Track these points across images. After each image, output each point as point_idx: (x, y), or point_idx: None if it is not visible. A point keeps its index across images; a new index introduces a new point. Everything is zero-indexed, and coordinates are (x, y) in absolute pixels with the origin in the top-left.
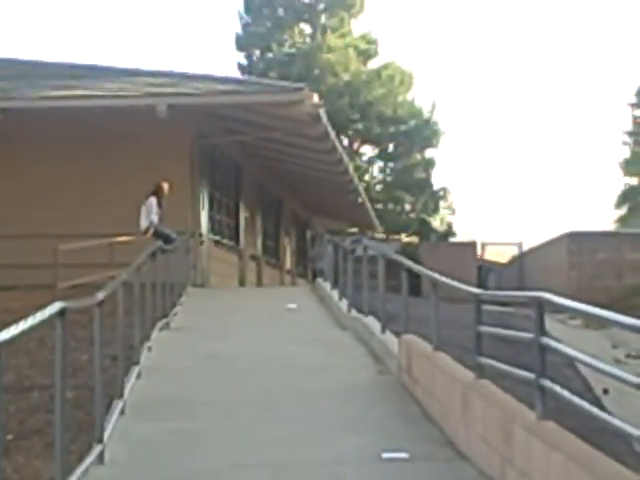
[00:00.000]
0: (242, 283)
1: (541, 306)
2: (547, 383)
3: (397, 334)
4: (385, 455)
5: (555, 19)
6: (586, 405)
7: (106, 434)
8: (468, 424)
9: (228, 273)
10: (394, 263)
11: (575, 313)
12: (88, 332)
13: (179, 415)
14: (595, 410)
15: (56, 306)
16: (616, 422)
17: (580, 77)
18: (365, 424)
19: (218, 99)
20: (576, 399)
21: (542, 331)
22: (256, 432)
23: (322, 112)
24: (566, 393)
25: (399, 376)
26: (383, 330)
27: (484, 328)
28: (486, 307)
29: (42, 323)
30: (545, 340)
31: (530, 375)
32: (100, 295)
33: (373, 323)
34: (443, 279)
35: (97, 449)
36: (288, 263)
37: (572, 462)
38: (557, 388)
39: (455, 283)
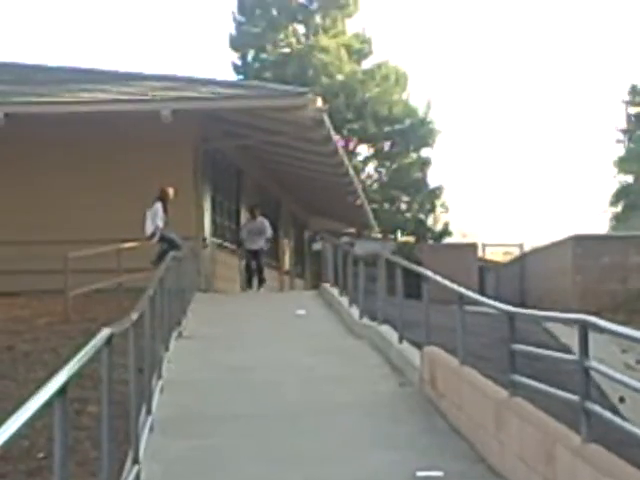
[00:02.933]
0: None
1: (585, 328)
2: (592, 406)
3: (415, 344)
4: (419, 474)
5: (551, 17)
6: (635, 429)
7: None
8: (502, 441)
9: (230, 277)
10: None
11: (620, 336)
12: None
13: (207, 431)
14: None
15: (104, 333)
16: None
17: (576, 75)
18: (393, 439)
19: (222, 103)
20: (627, 425)
21: (586, 354)
22: (285, 448)
23: (325, 116)
24: (613, 417)
25: (421, 388)
26: (401, 340)
27: (519, 346)
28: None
29: (96, 353)
30: (590, 363)
31: (573, 397)
32: (134, 315)
33: (388, 332)
34: (470, 293)
35: (134, 470)
36: (287, 264)
37: None
38: (604, 412)
39: (484, 299)
